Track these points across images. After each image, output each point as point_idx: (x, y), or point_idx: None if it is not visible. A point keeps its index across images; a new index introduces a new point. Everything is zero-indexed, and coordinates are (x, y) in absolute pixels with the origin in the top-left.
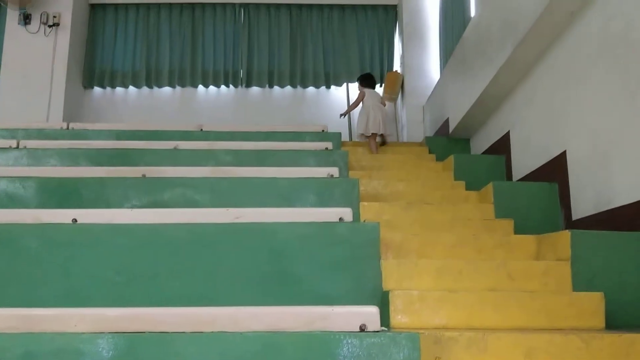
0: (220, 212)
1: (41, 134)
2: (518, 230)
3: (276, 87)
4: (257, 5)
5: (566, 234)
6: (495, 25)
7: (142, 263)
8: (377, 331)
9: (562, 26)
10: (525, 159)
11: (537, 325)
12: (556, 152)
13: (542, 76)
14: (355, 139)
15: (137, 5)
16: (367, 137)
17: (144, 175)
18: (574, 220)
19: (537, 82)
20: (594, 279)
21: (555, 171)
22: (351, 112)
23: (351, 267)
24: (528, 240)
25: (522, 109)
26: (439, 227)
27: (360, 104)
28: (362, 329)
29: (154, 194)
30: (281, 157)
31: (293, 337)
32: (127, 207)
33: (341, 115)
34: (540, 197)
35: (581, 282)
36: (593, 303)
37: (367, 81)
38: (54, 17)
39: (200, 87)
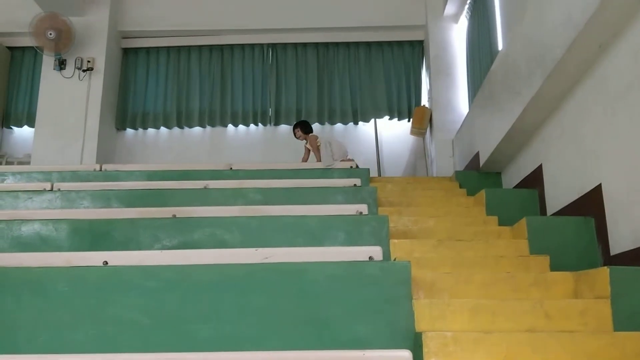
0: (250, 253)
1: (75, 176)
2: (554, 266)
3: None
4: (285, 45)
5: (605, 271)
6: (523, 59)
7: (171, 306)
8: None
9: (591, 59)
10: (559, 192)
11: None
12: (591, 186)
13: (573, 109)
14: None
15: (168, 48)
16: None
17: (174, 216)
18: (612, 256)
19: (568, 115)
20: (635, 318)
21: (590, 205)
22: (378, 148)
23: (382, 307)
24: (565, 278)
25: (554, 142)
26: (472, 265)
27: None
28: None
29: (184, 234)
30: (310, 194)
31: None
32: (158, 248)
33: (327, 165)
34: (576, 232)
35: (622, 321)
36: (636, 343)
37: (308, 127)
38: (88, 61)
39: (230, 127)
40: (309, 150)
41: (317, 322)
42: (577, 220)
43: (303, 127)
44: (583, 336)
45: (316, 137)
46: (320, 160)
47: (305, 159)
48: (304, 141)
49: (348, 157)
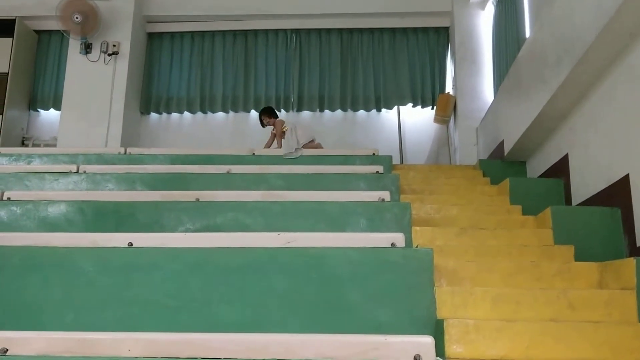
0: (272, 237)
1: (100, 158)
2: (578, 257)
3: (327, 111)
4: (308, 30)
5: (631, 262)
6: (551, 46)
7: (194, 287)
8: None
9: (622, 47)
10: (585, 182)
11: (601, 358)
12: (618, 176)
13: (602, 97)
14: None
15: (192, 33)
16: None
17: (197, 199)
18: (638, 247)
19: (597, 103)
20: None
21: (617, 195)
22: (401, 135)
23: (404, 294)
24: (590, 268)
25: (581, 131)
26: (495, 254)
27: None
28: (417, 359)
29: (207, 217)
30: (332, 180)
31: None
32: (181, 231)
33: (286, 154)
34: (602, 222)
35: None
36: None
37: (273, 112)
38: (114, 46)
39: (253, 112)
40: (274, 135)
41: (339, 306)
42: (603, 210)
43: (268, 113)
44: (607, 327)
45: (282, 122)
46: (281, 147)
47: (268, 145)
48: (272, 127)
49: (315, 143)
